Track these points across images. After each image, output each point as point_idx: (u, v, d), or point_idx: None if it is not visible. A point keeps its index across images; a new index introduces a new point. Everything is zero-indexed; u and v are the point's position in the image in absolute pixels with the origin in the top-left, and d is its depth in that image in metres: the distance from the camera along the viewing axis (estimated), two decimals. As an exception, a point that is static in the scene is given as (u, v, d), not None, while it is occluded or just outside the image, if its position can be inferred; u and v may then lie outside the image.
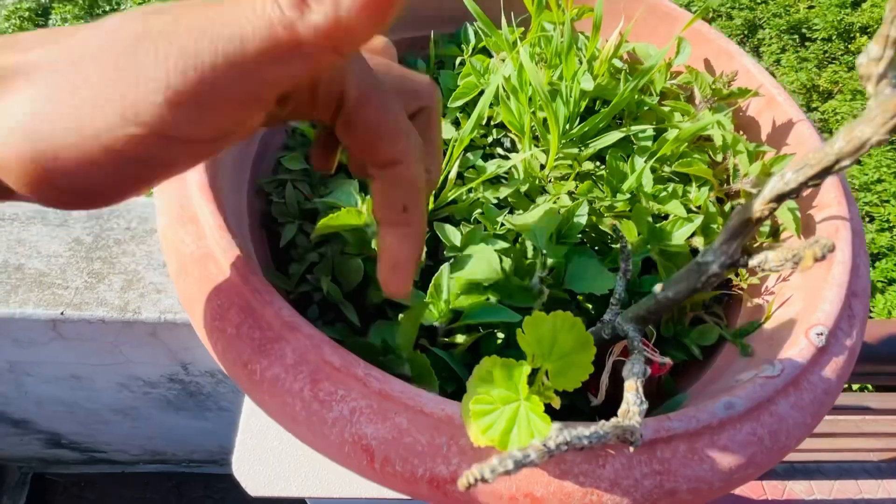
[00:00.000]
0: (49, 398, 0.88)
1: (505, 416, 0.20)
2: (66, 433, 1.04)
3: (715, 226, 0.36)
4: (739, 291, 0.36)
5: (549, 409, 0.33)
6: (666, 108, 0.40)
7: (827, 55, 3.16)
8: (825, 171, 0.17)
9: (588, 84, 0.37)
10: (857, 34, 3.27)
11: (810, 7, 3.38)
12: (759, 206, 0.18)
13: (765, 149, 0.37)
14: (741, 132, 0.41)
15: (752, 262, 0.19)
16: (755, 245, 0.37)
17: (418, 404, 0.23)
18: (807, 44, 3.17)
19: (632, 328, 0.24)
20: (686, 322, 0.36)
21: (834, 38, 3.21)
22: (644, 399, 0.19)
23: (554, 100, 0.39)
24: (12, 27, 2.46)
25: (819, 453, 0.92)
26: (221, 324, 0.25)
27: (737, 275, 0.36)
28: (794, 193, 0.18)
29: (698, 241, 0.36)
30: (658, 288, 0.23)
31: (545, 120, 0.39)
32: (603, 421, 0.18)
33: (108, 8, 2.62)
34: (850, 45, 3.21)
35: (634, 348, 0.22)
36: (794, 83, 3.09)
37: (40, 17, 2.54)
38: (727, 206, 0.37)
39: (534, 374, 0.21)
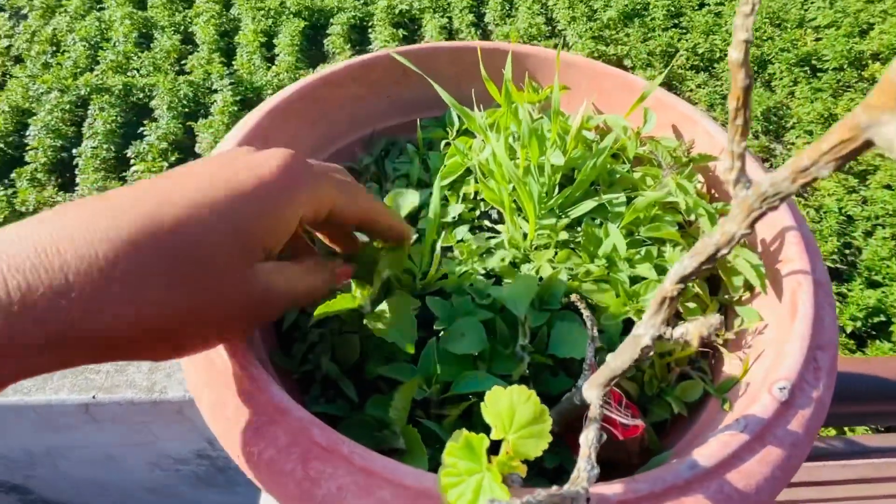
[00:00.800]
0: (84, 479, 0.91)
1: (471, 487, 0.22)
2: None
3: (690, 285, 0.37)
4: (721, 347, 0.37)
5: (541, 471, 0.34)
6: (637, 175, 0.43)
7: (841, 84, 3.17)
8: (711, 258, 0.19)
9: (558, 159, 0.41)
10: (869, 61, 3.28)
11: (817, 39, 3.42)
12: (668, 287, 0.20)
13: (724, 209, 0.39)
14: (712, 190, 0.43)
15: (676, 335, 0.21)
16: (734, 298, 0.39)
17: (398, 478, 0.25)
18: (819, 74, 3.19)
19: (595, 394, 0.26)
20: (672, 378, 0.37)
21: (846, 66, 3.23)
22: (595, 465, 0.21)
23: (528, 177, 0.42)
24: (55, 120, 2.66)
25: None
26: (223, 410, 0.28)
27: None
28: (693, 275, 0.20)
29: (676, 299, 0.38)
30: (609, 357, 0.25)
31: (524, 194, 0.42)
32: (552, 488, 0.20)
33: (141, 96, 2.83)
34: (863, 73, 3.22)
35: (593, 416, 0.24)
36: (810, 114, 3.09)
37: (80, 109, 2.76)
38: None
39: (500, 444, 0.23)
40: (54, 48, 3.08)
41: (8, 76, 2.96)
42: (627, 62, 3.12)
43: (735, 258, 0.36)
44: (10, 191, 2.44)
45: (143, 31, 3.17)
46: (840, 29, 3.38)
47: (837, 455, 0.90)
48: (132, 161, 2.57)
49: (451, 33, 3.33)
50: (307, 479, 0.25)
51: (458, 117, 0.49)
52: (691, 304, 0.37)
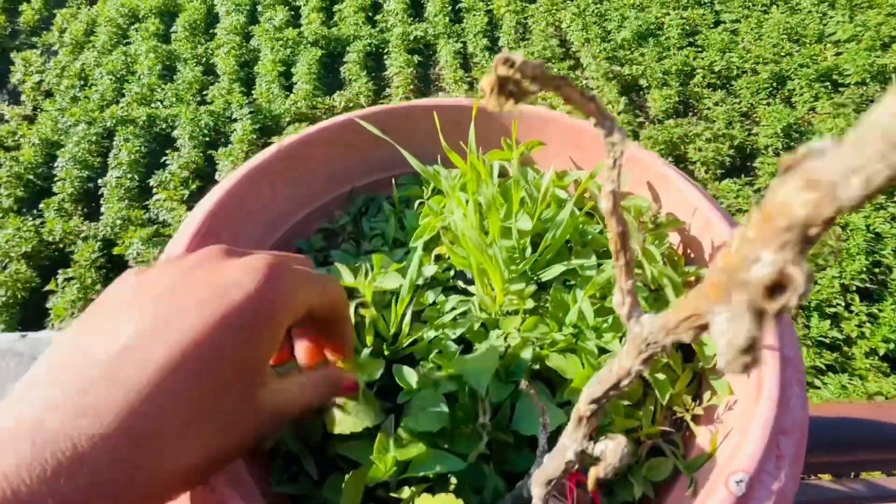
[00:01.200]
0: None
1: None
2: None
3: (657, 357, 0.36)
4: (691, 422, 0.36)
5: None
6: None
7: (864, 98, 3.10)
8: (614, 387, 0.18)
9: (526, 224, 0.40)
10: (893, 75, 3.20)
11: (838, 54, 3.35)
12: (583, 407, 0.20)
13: (697, 272, 0.38)
14: (688, 250, 0.42)
15: (596, 452, 0.20)
16: (707, 367, 0.37)
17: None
18: (840, 89, 3.13)
19: (537, 493, 0.25)
20: (642, 452, 0.36)
21: (868, 81, 3.15)
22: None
23: (504, 237, 0.42)
24: (82, 151, 2.76)
25: None
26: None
27: (684, 405, 0.36)
28: (604, 399, 0.19)
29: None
30: (546, 459, 0.24)
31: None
32: None
33: (164, 126, 2.92)
34: (886, 86, 3.14)
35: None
36: (832, 129, 3.03)
37: (105, 140, 2.86)
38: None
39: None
40: (82, 82, 3.21)
41: (39, 110, 3.10)
42: (643, 81, 3.11)
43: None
44: (38, 221, 2.53)
45: (167, 63, 3.28)
46: (861, 43, 3.31)
47: (860, 499, 0.86)
48: (155, 190, 2.64)
49: (465, 58, 3.37)
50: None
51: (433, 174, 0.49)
52: (661, 375, 0.36)
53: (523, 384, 0.29)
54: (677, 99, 3.01)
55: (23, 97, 3.23)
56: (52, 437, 0.19)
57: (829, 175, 0.09)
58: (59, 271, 2.33)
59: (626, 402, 0.36)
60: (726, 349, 0.12)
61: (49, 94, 3.22)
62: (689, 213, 0.41)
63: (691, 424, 0.36)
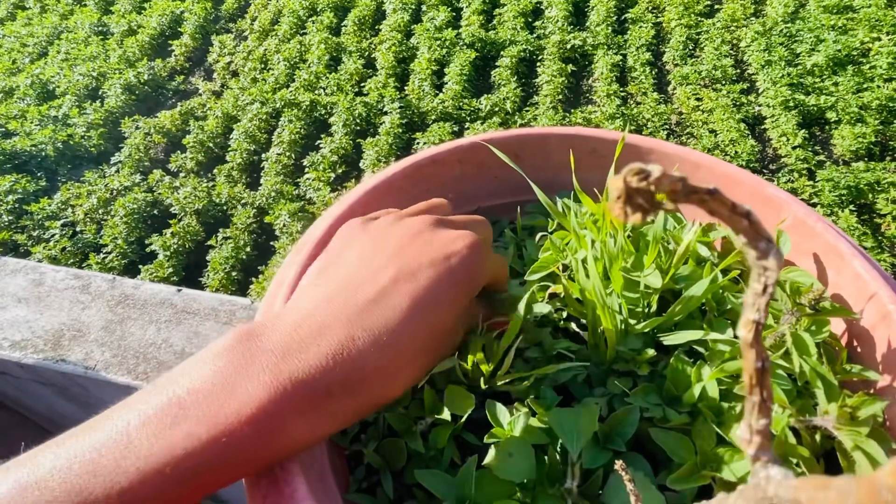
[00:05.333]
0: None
1: None
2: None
3: (794, 460, 0.31)
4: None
5: None
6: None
7: None
8: None
9: (656, 281, 0.36)
10: None
11: None
12: None
13: (862, 374, 0.31)
14: (855, 343, 0.36)
15: None
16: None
17: None
18: None
19: None
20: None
21: None
22: None
23: (628, 290, 0.38)
24: (254, 127, 3.09)
25: None
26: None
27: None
28: None
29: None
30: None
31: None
32: None
33: (322, 112, 3.16)
34: None
35: None
36: None
37: (273, 119, 3.17)
38: (818, 436, 0.32)
39: None
40: (262, 66, 3.59)
41: (225, 87, 3.52)
42: (831, 115, 2.73)
43: (854, 450, 0.28)
44: (210, 184, 2.88)
45: (334, 54, 3.55)
46: None
47: None
48: (306, 169, 2.88)
49: (623, 71, 3.23)
50: None
51: (563, 208, 0.47)
52: None
53: (618, 465, 0.26)
54: (873, 139, 2.59)
55: (214, 75, 3.69)
56: (342, 335, 0.28)
57: None
58: (220, 230, 2.63)
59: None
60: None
61: (235, 74, 3.65)
62: (862, 299, 0.34)
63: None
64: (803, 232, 0.38)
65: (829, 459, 0.33)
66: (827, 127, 2.76)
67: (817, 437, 0.33)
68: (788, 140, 2.58)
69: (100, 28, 4.14)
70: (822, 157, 2.62)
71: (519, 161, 0.46)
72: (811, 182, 2.47)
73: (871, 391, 0.34)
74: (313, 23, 3.80)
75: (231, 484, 0.26)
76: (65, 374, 0.73)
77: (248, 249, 2.55)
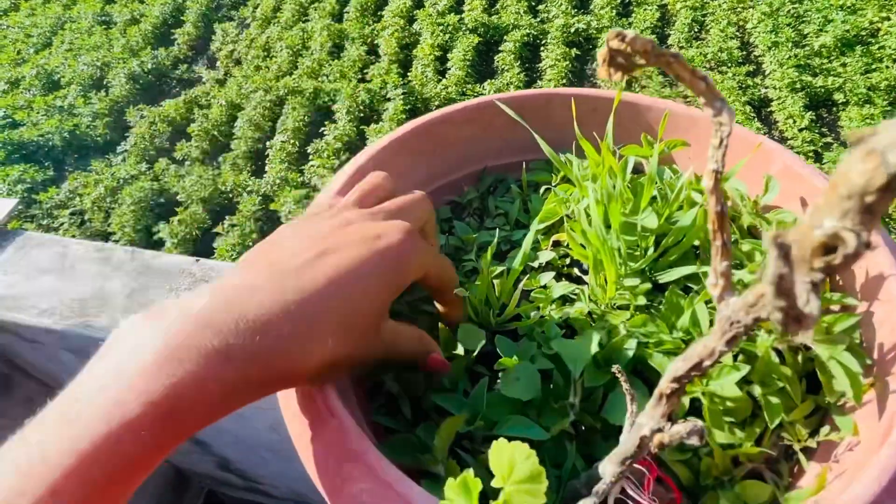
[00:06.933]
0: (222, 427, 1.06)
1: (461, 525, 0.24)
2: (232, 460, 1.23)
3: (776, 377, 0.34)
4: (800, 452, 0.33)
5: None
6: (745, 248, 0.40)
7: None
8: (696, 367, 0.18)
9: (651, 221, 0.39)
10: None
11: None
12: (664, 384, 0.20)
13: (840, 300, 0.34)
14: (836, 276, 0.39)
15: (672, 431, 0.20)
16: (835, 403, 0.34)
17: (408, 497, 0.27)
18: None
19: (610, 470, 0.25)
20: (738, 474, 0.34)
21: None
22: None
23: (627, 233, 0.41)
24: (258, 115, 3.10)
25: None
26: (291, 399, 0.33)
27: (797, 436, 0.33)
28: (685, 378, 0.19)
29: (759, 390, 0.35)
30: (622, 437, 0.24)
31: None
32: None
33: (326, 99, 3.18)
34: None
35: (596, 490, 0.24)
36: None
37: (277, 107, 3.19)
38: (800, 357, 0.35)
39: (499, 491, 0.24)
40: (265, 53, 3.60)
41: (229, 75, 3.54)
42: (839, 96, 2.72)
43: (829, 360, 0.32)
44: (215, 172, 2.91)
45: (337, 41, 3.56)
46: None
47: None
48: (311, 157, 2.90)
49: (623, 55, 3.23)
50: (339, 476, 0.29)
51: (566, 161, 0.50)
52: (774, 399, 0.34)
53: (616, 368, 0.29)
54: (882, 120, 2.58)
55: (218, 63, 3.70)
56: (248, 309, 0.27)
57: (882, 144, 0.09)
58: (226, 217, 2.67)
59: (729, 419, 0.34)
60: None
61: (238, 62, 3.67)
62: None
63: (801, 457, 0.33)
64: (791, 177, 0.41)
65: (812, 380, 0.36)
66: (834, 109, 2.74)
67: (799, 358, 0.36)
68: (795, 122, 2.57)
69: (103, 17, 4.15)
70: (829, 139, 2.61)
71: (524, 120, 0.49)
72: (818, 164, 2.48)
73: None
74: (315, 9, 3.80)
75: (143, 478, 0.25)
76: (91, 339, 0.76)
77: (254, 236, 2.58)
